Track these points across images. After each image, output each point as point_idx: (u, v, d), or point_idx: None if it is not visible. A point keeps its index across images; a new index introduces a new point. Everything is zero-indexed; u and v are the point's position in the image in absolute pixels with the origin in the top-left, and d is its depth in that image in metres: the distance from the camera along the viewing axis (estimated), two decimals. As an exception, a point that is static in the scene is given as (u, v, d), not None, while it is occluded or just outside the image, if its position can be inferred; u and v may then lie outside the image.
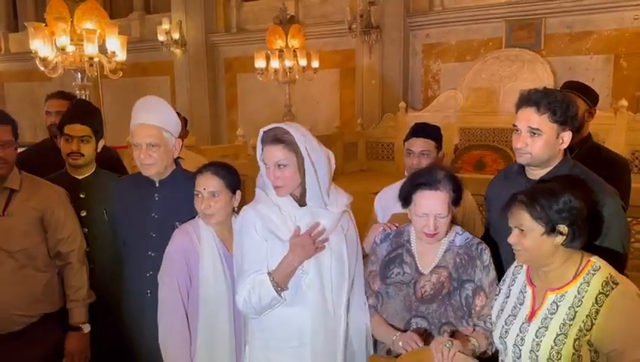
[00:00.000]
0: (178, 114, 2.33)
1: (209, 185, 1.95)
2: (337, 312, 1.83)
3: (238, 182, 2.03)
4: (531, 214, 1.57)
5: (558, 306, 1.58)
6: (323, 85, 9.59)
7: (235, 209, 2.04)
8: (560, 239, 1.56)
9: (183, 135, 3.23)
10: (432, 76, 9.11)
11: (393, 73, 9.04)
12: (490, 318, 1.75)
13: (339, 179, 2.01)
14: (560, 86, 3.02)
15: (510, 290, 1.73)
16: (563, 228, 1.55)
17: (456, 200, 1.80)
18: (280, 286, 1.74)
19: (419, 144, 2.38)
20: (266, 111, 10.07)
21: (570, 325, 1.54)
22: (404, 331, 1.75)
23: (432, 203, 1.76)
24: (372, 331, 1.88)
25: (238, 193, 2.03)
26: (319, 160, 1.79)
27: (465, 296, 1.77)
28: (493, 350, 1.76)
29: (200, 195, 1.96)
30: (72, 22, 4.65)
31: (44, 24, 4.75)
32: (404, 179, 2.43)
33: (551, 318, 1.58)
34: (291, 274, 1.76)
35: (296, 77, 8.10)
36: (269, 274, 1.75)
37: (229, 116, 11.42)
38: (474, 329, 1.75)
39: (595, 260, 1.59)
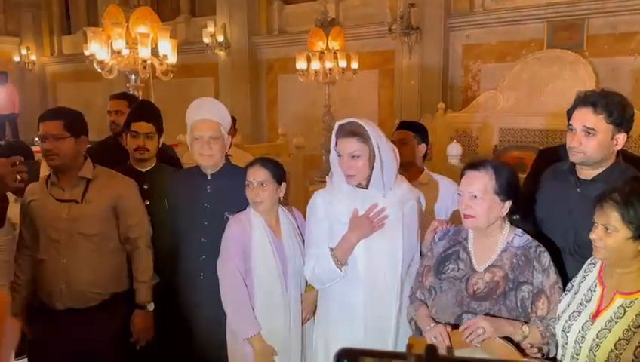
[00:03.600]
0: (227, 113, 2.53)
1: (258, 175, 2.17)
2: (390, 293, 1.98)
3: (283, 174, 2.24)
4: (623, 216, 1.51)
5: (625, 311, 1.55)
6: (362, 86, 9.68)
7: (281, 199, 2.24)
8: None
9: (232, 133, 3.45)
10: (472, 77, 9.08)
11: (432, 74, 9.06)
12: (554, 321, 1.72)
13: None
14: (601, 88, 3.04)
15: (580, 286, 1.71)
16: None
17: (502, 191, 1.77)
18: (340, 261, 1.95)
19: (398, 135, 2.70)
20: (306, 111, 10.24)
21: (635, 332, 1.51)
22: (455, 326, 1.76)
23: (468, 181, 1.80)
24: (417, 321, 1.93)
25: (283, 185, 2.23)
26: (387, 155, 1.97)
27: (521, 298, 1.75)
28: (548, 351, 1.73)
29: (250, 185, 2.18)
30: (127, 26, 4.92)
31: (100, 29, 5.04)
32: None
33: (616, 321, 1.55)
34: (350, 250, 1.96)
35: (336, 78, 8.25)
36: (331, 249, 1.96)
37: (269, 116, 11.65)
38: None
39: None
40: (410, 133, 2.67)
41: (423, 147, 2.70)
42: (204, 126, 2.32)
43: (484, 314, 1.75)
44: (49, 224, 2.27)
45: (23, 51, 15.06)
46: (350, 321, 2.01)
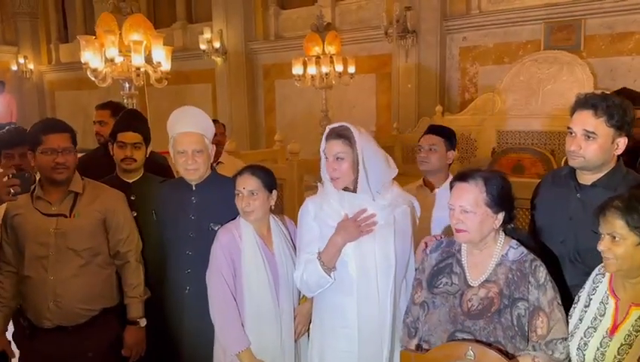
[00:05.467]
0: (216, 121, 2.48)
1: (248, 184, 2.12)
2: (383, 300, 1.93)
3: (274, 182, 2.20)
4: (628, 222, 1.47)
5: None
6: (359, 90, 9.67)
7: (272, 208, 2.19)
8: None
9: (222, 141, 3.42)
10: (470, 79, 9.06)
11: (430, 77, 9.04)
12: (562, 343, 1.63)
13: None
14: (600, 88, 2.99)
15: (590, 299, 1.65)
16: None
17: (494, 203, 1.71)
18: (327, 265, 1.91)
19: (428, 140, 2.56)
20: (303, 116, 10.23)
21: None
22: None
23: (457, 194, 1.74)
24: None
25: (274, 193, 2.18)
26: (372, 160, 1.93)
27: (517, 315, 1.67)
28: None
29: (240, 194, 2.13)
30: (120, 34, 4.88)
31: (94, 37, 5.00)
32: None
33: (635, 336, 1.49)
34: (336, 254, 1.92)
35: (333, 82, 8.23)
36: (319, 254, 1.93)
37: (267, 122, 11.63)
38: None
39: None
40: (440, 138, 2.56)
41: (451, 153, 2.59)
42: (188, 139, 2.26)
43: (480, 333, 1.69)
44: (35, 239, 2.20)
45: (21, 60, 15.09)
46: (344, 330, 1.96)
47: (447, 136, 2.58)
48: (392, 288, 1.94)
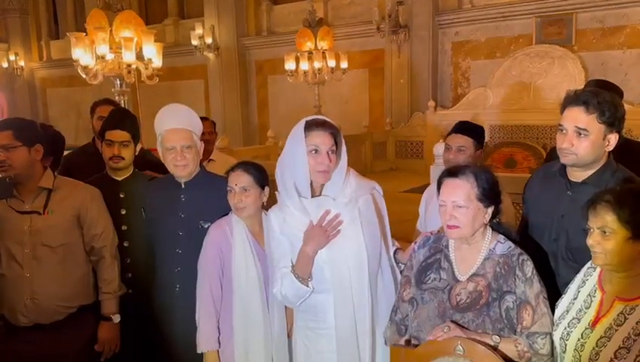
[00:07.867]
0: (207, 118, 2.47)
1: (240, 181, 2.12)
2: (359, 295, 1.91)
3: (266, 178, 2.19)
4: (619, 216, 1.46)
5: (626, 318, 1.49)
6: (352, 85, 9.68)
7: (264, 204, 2.19)
8: None
9: (211, 139, 3.39)
10: (462, 74, 9.09)
11: (422, 72, 9.06)
12: (543, 339, 1.63)
13: (368, 177, 2.14)
14: (586, 84, 2.99)
15: (579, 292, 1.65)
16: None
17: (485, 198, 1.71)
18: (302, 276, 1.88)
19: (456, 140, 2.46)
20: (296, 112, 10.20)
21: (635, 340, 1.45)
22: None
23: (449, 190, 1.72)
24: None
25: (267, 189, 2.18)
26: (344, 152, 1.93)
27: (505, 308, 1.66)
28: None
29: (232, 191, 2.13)
30: (110, 31, 4.84)
31: (84, 34, 4.96)
32: None
33: (616, 329, 1.49)
34: (309, 263, 1.88)
35: (326, 78, 8.23)
36: (292, 267, 1.89)
37: (260, 118, 11.62)
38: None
39: None
40: (470, 139, 2.43)
41: (479, 153, 2.45)
42: (176, 136, 2.24)
43: (469, 326, 1.68)
44: (10, 237, 2.20)
45: (12, 57, 14.96)
46: (324, 331, 1.95)
47: (477, 136, 2.46)
48: (367, 281, 1.92)
